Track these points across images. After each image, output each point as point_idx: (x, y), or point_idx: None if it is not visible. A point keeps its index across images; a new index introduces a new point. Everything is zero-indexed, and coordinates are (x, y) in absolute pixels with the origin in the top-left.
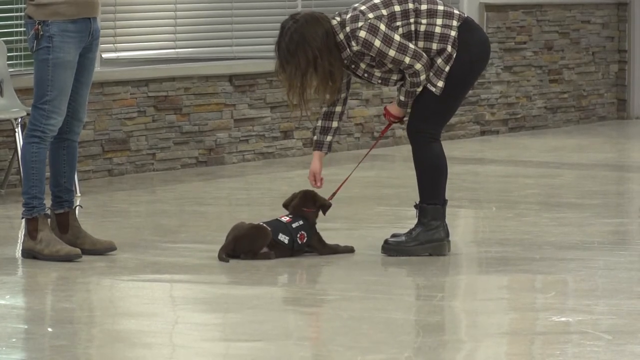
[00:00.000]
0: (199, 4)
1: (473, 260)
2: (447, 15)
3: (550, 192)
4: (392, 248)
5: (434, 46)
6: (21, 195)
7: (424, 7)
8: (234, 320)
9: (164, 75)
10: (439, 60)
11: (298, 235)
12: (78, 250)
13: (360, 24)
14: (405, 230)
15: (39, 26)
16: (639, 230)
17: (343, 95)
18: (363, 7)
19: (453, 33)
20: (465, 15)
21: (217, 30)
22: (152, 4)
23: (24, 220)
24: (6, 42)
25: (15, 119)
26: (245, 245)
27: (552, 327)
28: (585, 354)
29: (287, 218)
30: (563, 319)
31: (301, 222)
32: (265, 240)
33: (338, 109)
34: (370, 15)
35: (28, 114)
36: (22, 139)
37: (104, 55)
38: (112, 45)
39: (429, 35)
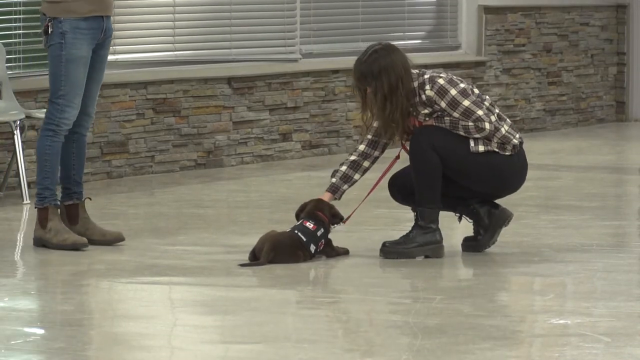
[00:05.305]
0: (198, 7)
1: (472, 263)
2: (512, 127)
3: (549, 194)
4: (391, 250)
5: (494, 140)
6: (35, 186)
7: (496, 110)
8: (233, 322)
9: (162, 78)
10: (495, 139)
11: (319, 243)
12: (84, 240)
13: (442, 75)
14: (404, 233)
15: (49, 23)
16: (637, 233)
17: (376, 153)
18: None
19: (515, 141)
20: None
21: (216, 33)
22: (151, 7)
23: (36, 209)
24: (5, 44)
25: (14, 122)
26: (285, 256)
27: (550, 330)
28: (583, 356)
29: (312, 225)
30: (562, 321)
31: (323, 231)
32: (303, 252)
33: (366, 164)
34: (453, 77)
35: (27, 117)
36: (40, 132)
37: None
38: (110, 47)
39: (493, 131)
